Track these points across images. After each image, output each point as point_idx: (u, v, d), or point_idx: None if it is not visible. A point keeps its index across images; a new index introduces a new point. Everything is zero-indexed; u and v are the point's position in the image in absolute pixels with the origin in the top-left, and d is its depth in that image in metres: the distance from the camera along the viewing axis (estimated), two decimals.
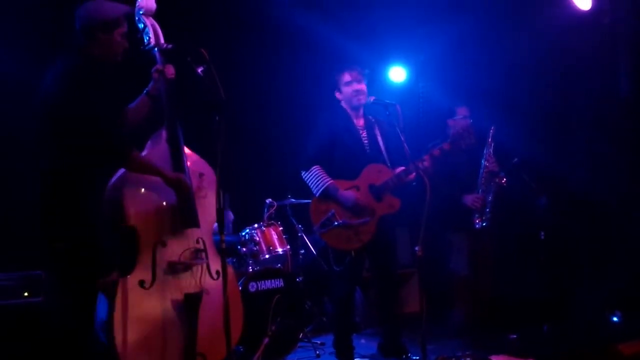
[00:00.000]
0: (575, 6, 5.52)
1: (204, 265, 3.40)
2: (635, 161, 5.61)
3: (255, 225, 4.99)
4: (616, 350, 3.93)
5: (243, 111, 5.64)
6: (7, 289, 4.04)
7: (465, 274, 5.12)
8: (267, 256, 4.89)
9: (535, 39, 5.86)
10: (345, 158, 4.29)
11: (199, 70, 3.16)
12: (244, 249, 4.92)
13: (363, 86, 4.37)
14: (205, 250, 3.41)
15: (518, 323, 4.97)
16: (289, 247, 5.07)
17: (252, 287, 4.53)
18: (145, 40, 3.47)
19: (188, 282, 3.32)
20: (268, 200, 5.29)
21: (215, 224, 3.42)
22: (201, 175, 3.49)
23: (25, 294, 4.06)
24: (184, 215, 3.31)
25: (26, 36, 4.82)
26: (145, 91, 3.50)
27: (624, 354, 3.89)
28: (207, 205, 3.47)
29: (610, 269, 5.42)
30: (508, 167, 5.11)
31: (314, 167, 4.25)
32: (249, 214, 5.36)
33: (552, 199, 5.30)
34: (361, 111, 4.44)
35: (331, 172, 4.25)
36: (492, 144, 5.07)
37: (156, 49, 3.46)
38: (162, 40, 3.46)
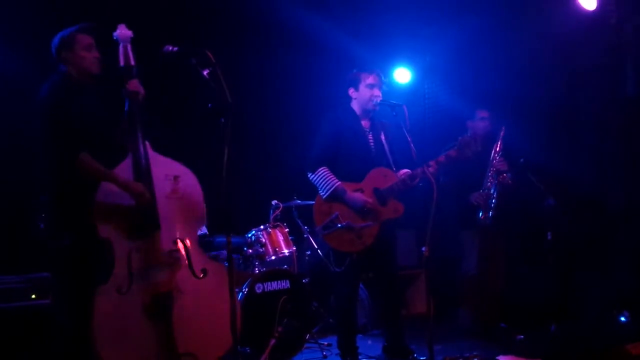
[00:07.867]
0: (581, 6, 5.51)
1: (184, 265, 3.43)
2: None
3: (261, 227, 5.00)
4: (624, 351, 3.91)
5: (249, 113, 5.65)
6: (15, 291, 4.08)
7: (475, 274, 5.12)
8: (273, 257, 4.90)
9: (541, 40, 5.84)
10: (350, 159, 4.27)
11: (205, 72, 3.18)
12: (250, 251, 4.92)
13: (380, 93, 4.34)
14: (184, 250, 3.45)
15: (525, 323, 4.96)
16: (295, 248, 5.08)
17: (259, 288, 4.53)
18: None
19: (161, 283, 3.34)
20: (274, 202, 5.29)
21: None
22: (176, 177, 3.54)
23: (33, 296, 4.10)
24: (143, 221, 3.37)
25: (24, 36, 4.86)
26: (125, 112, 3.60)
27: (632, 354, 3.88)
28: (186, 206, 3.53)
29: (618, 269, 5.40)
30: (515, 168, 5.11)
31: (321, 168, 4.23)
32: (255, 216, 5.37)
33: (560, 200, 5.29)
34: (369, 113, 4.42)
35: (336, 173, 4.23)
36: (501, 144, 5.07)
37: (122, 69, 3.56)
38: (132, 62, 3.53)
